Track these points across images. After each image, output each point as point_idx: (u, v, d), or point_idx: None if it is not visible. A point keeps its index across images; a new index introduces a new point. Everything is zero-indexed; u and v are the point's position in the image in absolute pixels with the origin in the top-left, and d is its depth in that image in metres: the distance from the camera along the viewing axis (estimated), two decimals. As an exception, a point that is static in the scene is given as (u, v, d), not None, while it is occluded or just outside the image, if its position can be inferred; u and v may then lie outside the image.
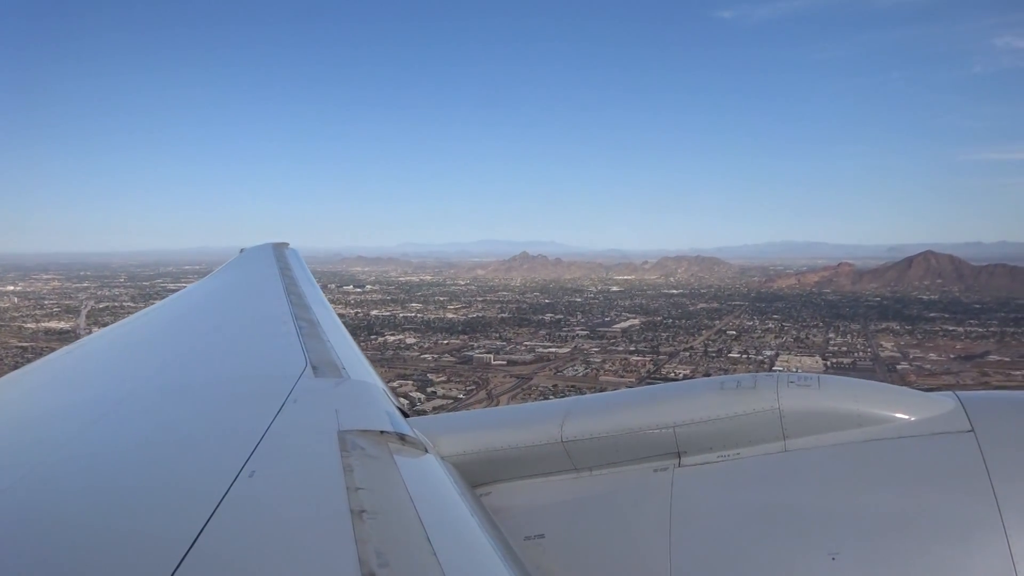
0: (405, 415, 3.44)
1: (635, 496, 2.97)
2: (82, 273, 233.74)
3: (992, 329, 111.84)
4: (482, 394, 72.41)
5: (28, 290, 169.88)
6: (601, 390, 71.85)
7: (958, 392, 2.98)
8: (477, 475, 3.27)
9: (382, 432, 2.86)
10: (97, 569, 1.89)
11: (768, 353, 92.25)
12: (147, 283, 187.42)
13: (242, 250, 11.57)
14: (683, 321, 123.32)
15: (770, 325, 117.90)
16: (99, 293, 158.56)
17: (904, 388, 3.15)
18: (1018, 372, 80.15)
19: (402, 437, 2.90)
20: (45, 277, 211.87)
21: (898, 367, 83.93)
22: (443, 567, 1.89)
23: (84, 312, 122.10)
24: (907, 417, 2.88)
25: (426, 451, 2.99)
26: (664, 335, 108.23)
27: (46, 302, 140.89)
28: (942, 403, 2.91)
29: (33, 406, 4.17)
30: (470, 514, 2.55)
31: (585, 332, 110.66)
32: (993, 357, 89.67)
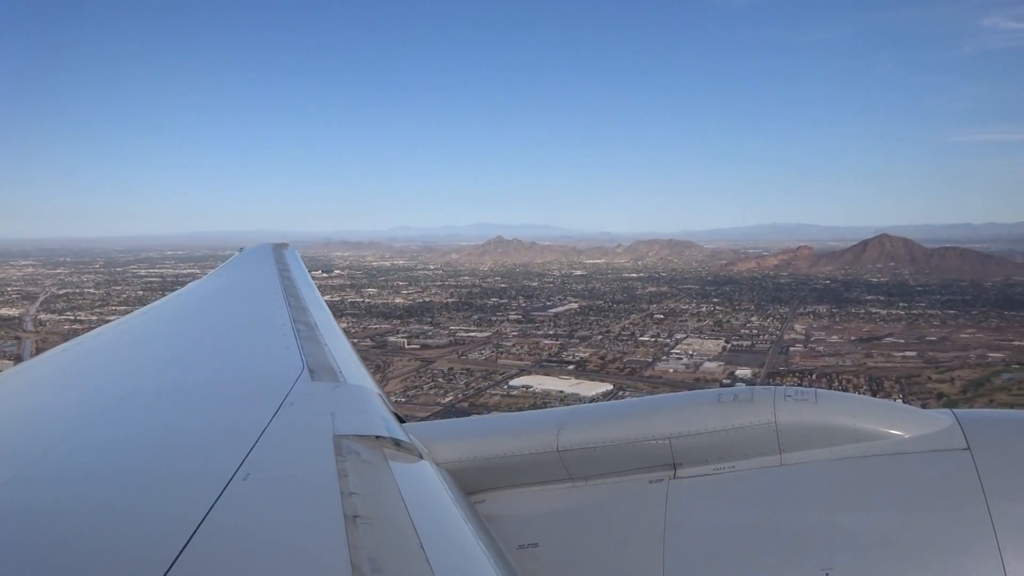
0: (401, 420, 3.46)
1: (630, 507, 2.99)
2: (61, 259, 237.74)
3: (914, 312, 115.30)
4: (376, 376, 75.93)
5: (0, 276, 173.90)
6: (491, 372, 74.92)
7: (955, 410, 2.99)
8: (472, 482, 3.28)
9: (377, 437, 2.89)
10: (89, 569, 1.90)
11: (680, 336, 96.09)
12: (120, 269, 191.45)
13: (241, 249, 11.75)
14: (621, 305, 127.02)
15: (703, 309, 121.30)
16: (67, 280, 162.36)
17: (901, 404, 3.17)
18: (899, 353, 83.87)
19: (397, 443, 2.92)
20: (23, 263, 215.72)
21: (790, 349, 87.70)
22: (435, 573, 1.90)
23: (40, 299, 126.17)
24: (903, 434, 2.88)
25: (421, 457, 3.02)
26: (592, 319, 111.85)
27: (9, 288, 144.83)
28: (939, 420, 2.91)
29: (28, 404, 4.19)
30: (464, 521, 2.55)
31: (517, 317, 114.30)
32: (890, 339, 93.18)
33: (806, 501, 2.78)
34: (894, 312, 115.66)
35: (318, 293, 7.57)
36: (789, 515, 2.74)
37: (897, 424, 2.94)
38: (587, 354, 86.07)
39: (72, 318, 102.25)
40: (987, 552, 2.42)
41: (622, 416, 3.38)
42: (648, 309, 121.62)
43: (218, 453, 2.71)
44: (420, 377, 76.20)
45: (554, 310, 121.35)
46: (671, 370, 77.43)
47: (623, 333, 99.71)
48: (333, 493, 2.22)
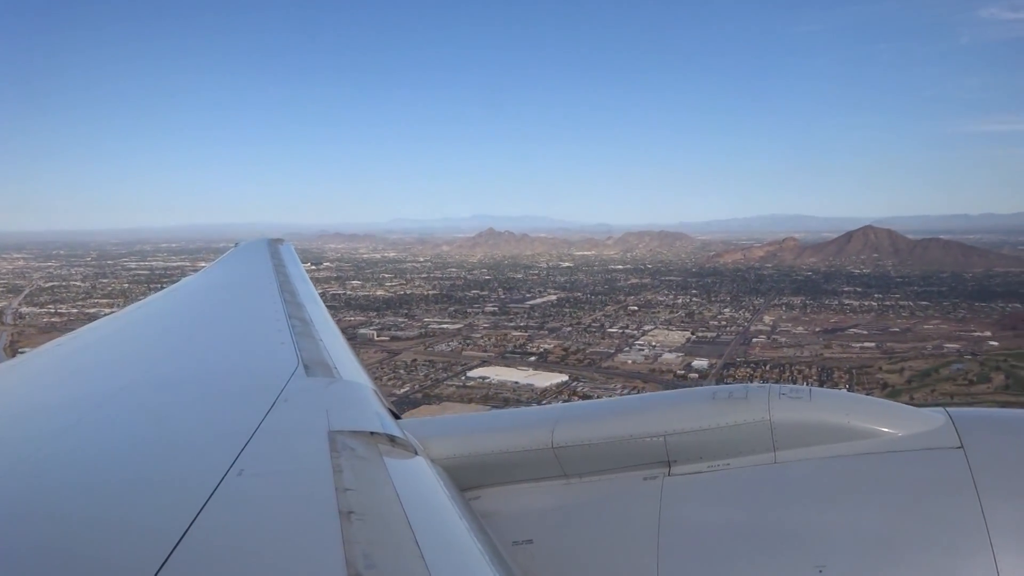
0: (396, 416, 3.48)
1: (624, 504, 3.00)
2: (54, 252, 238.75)
3: (886, 303, 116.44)
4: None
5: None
6: (453, 364, 75.89)
7: (949, 408, 2.98)
8: (467, 479, 3.28)
9: (372, 433, 2.89)
10: (83, 565, 1.90)
11: (648, 328, 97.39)
12: (111, 262, 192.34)
13: (236, 243, 11.66)
14: (599, 296, 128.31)
15: (679, 300, 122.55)
16: (56, 272, 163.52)
17: (895, 403, 3.18)
18: (858, 344, 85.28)
19: (392, 439, 2.93)
20: (15, 256, 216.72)
21: (753, 340, 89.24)
22: (430, 570, 1.90)
23: (25, 292, 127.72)
24: (897, 432, 2.89)
25: (416, 453, 3.03)
26: (567, 310, 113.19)
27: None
28: (932, 419, 2.92)
29: (21, 400, 4.20)
30: (459, 518, 2.55)
31: (493, 308, 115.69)
32: (854, 330, 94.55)
33: (800, 499, 2.80)
34: (866, 303, 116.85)
35: (313, 289, 7.55)
36: (783, 513, 2.76)
37: (891, 422, 2.96)
38: (551, 346, 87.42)
39: (53, 311, 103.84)
40: (980, 550, 2.44)
41: (617, 413, 3.41)
42: (624, 301, 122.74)
43: (212, 449, 2.72)
44: (382, 368, 77.32)
45: (531, 302, 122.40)
46: (630, 361, 78.99)
47: (593, 325, 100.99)
48: (328, 489, 2.23)
